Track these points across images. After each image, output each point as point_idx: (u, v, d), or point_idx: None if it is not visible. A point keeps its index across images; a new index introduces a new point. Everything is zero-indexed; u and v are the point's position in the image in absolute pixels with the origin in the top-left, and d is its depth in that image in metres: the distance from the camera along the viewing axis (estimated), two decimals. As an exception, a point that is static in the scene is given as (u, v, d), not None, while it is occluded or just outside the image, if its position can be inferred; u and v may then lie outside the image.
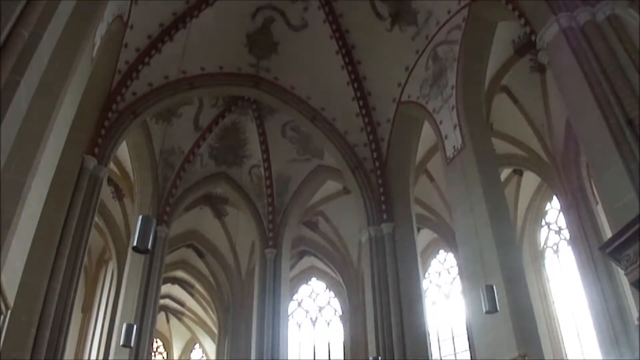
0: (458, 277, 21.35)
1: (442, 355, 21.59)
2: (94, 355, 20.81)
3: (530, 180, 19.44)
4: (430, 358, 13.89)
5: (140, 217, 6.57)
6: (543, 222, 19.97)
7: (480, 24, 13.21)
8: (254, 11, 15.39)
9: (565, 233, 18.22)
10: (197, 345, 31.44)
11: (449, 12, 13.77)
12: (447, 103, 13.77)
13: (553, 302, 18.57)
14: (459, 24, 13.52)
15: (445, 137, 13.63)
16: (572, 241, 16.61)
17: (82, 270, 12.28)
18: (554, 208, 19.48)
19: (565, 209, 16.78)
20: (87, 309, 22.56)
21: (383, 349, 13.79)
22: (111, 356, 16.11)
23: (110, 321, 18.54)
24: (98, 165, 13.04)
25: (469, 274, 11.84)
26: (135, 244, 6.45)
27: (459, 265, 20.74)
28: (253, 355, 18.07)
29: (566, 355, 17.54)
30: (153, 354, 29.52)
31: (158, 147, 17.30)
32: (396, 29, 14.93)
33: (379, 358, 13.40)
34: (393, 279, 14.52)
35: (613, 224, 7.76)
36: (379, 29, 15.08)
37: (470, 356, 19.70)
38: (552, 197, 18.87)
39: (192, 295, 27.94)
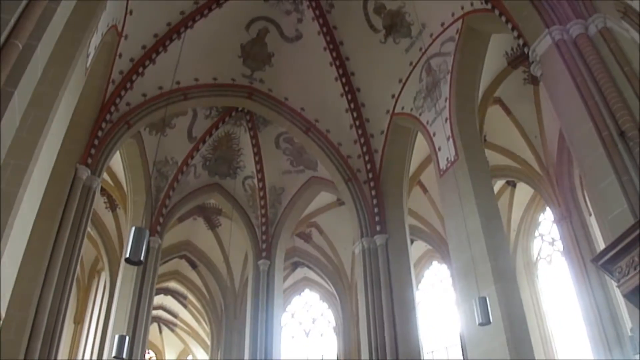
0: (451, 288, 21.33)
1: (435, 366, 21.55)
2: (86, 367, 20.68)
3: (523, 191, 19.51)
4: (423, 370, 13.86)
5: (133, 228, 6.54)
6: (536, 234, 20.03)
7: (474, 36, 13.29)
8: (248, 22, 15.45)
9: (559, 244, 18.26)
10: (189, 357, 31.27)
11: (442, 24, 13.85)
12: (440, 115, 13.81)
13: (546, 313, 18.58)
14: (453, 36, 13.60)
15: (439, 149, 13.65)
16: (566, 252, 16.65)
17: (75, 280, 12.20)
18: (547, 219, 19.55)
19: (558, 220, 16.84)
20: (79, 320, 22.39)
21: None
22: (103, 368, 16.02)
23: (103, 332, 18.42)
24: (91, 175, 12.97)
25: (462, 285, 11.82)
26: (127, 255, 6.42)
27: (452, 276, 20.72)
28: (246, 367, 17.98)
29: (560, 367, 17.55)
30: (145, 365, 29.33)
31: (151, 158, 17.24)
32: (390, 41, 15.00)
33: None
34: (386, 290, 14.48)
35: (606, 236, 7.77)
36: (373, 41, 15.15)
37: (464, 367, 19.65)
38: (546, 209, 18.93)
39: (184, 306, 27.80)
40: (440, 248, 20.71)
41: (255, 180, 19.63)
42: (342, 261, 23.61)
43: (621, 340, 13.69)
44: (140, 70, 14.38)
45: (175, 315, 29.30)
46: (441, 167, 13.41)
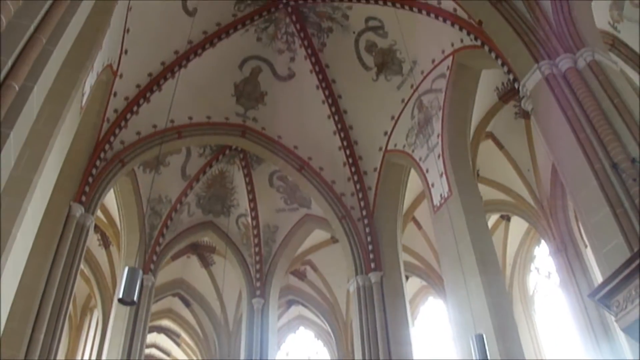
0: (448, 323, 21.15)
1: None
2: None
3: (518, 225, 19.51)
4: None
5: (126, 268, 6.49)
6: (532, 267, 19.96)
7: (464, 72, 13.44)
8: (242, 62, 15.64)
9: (555, 277, 18.19)
10: (183, 397, 30.72)
11: (433, 61, 14.02)
12: (433, 151, 13.86)
13: (545, 348, 18.41)
14: (444, 72, 13.75)
15: (432, 185, 13.67)
16: (562, 285, 16.58)
17: (67, 318, 12.06)
18: (542, 252, 19.50)
19: (554, 253, 16.78)
20: (71, 358, 22.05)
21: (373, 398, 13.57)
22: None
23: (95, 372, 18.16)
24: (85, 213, 12.91)
25: (458, 322, 11.71)
26: (121, 296, 6.37)
27: (448, 312, 20.57)
28: (240, 408, 17.69)
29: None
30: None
31: (145, 196, 17.23)
32: (382, 79, 15.17)
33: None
34: (382, 327, 14.34)
35: (602, 269, 7.76)
36: (365, 78, 15.32)
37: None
38: (541, 242, 18.90)
39: (178, 344, 27.43)
40: (436, 284, 20.61)
41: (249, 218, 19.59)
42: (337, 299, 23.44)
43: (621, 374, 13.55)
44: (135, 108, 14.45)
45: (168, 354, 28.85)
46: (435, 204, 13.39)
